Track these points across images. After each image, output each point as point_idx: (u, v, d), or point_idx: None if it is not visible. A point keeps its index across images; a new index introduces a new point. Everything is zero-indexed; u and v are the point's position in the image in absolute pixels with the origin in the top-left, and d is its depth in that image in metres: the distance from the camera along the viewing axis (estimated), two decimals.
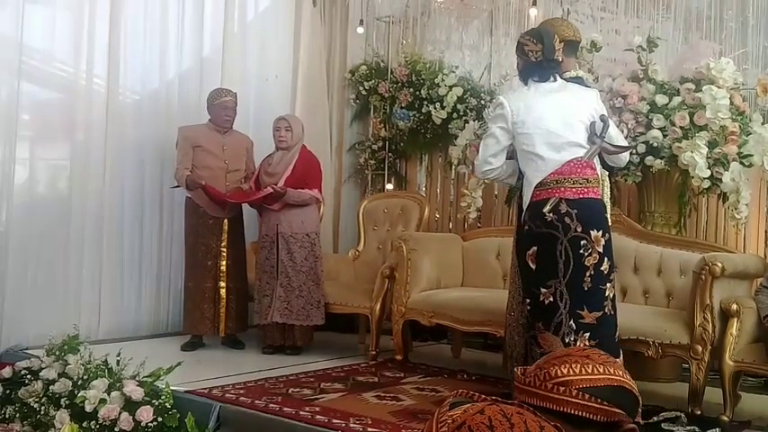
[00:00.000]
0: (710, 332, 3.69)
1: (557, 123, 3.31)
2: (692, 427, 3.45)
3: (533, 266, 3.31)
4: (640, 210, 4.62)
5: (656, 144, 4.10)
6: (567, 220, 3.23)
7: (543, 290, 3.27)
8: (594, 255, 3.24)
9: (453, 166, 5.25)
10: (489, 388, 4.11)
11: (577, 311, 3.23)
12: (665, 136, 4.08)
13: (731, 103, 4.02)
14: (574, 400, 1.56)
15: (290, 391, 3.95)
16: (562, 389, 1.57)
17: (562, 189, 3.25)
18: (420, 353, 5.16)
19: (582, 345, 3.16)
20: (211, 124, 5.16)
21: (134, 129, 5.43)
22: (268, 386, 4.08)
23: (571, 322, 3.23)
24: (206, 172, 5.02)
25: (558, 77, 3.45)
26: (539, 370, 1.62)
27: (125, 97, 5.43)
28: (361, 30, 6.24)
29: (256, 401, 3.71)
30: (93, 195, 5.19)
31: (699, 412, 3.67)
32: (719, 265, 3.69)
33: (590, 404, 1.56)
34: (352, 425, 3.36)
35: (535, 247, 3.30)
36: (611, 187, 3.78)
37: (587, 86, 3.64)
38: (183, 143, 5.09)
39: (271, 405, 3.65)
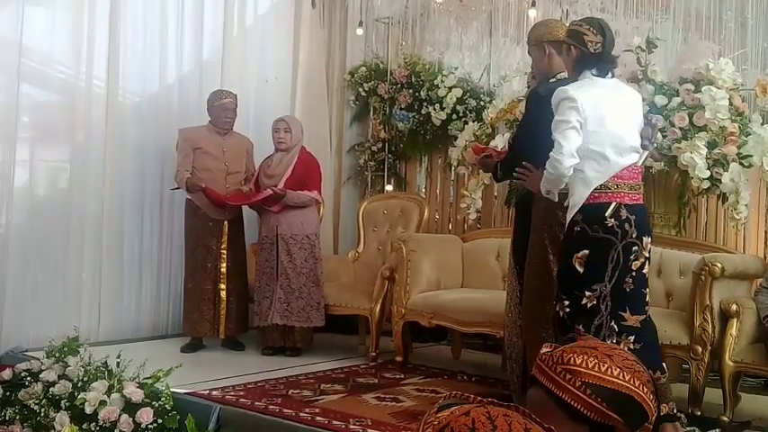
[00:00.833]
0: (710, 333, 3.69)
1: (620, 125, 3.18)
2: (692, 428, 3.44)
3: (581, 269, 3.15)
4: None
5: (655, 145, 4.10)
6: (626, 226, 3.12)
7: (588, 293, 3.14)
8: (641, 259, 3.18)
9: (453, 168, 5.24)
10: (489, 389, 4.11)
11: (619, 313, 3.15)
12: (664, 137, 4.07)
13: (730, 103, 4.02)
14: (573, 389, 1.57)
15: (290, 393, 3.95)
16: (568, 376, 1.58)
17: (622, 194, 3.14)
18: (420, 354, 5.15)
19: (626, 348, 3.02)
20: (211, 126, 5.16)
21: (134, 130, 5.43)
22: (268, 388, 4.07)
23: (613, 324, 3.14)
24: (206, 174, 5.03)
25: (613, 74, 3.28)
26: (559, 352, 1.63)
27: (125, 99, 5.43)
28: (360, 31, 6.23)
29: (256, 403, 3.71)
30: (94, 197, 5.19)
31: (699, 413, 3.67)
32: (719, 265, 3.69)
33: (587, 399, 1.56)
34: (352, 426, 3.36)
35: (587, 251, 3.14)
36: None
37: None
38: (183, 145, 5.09)
39: (271, 406, 3.65)
